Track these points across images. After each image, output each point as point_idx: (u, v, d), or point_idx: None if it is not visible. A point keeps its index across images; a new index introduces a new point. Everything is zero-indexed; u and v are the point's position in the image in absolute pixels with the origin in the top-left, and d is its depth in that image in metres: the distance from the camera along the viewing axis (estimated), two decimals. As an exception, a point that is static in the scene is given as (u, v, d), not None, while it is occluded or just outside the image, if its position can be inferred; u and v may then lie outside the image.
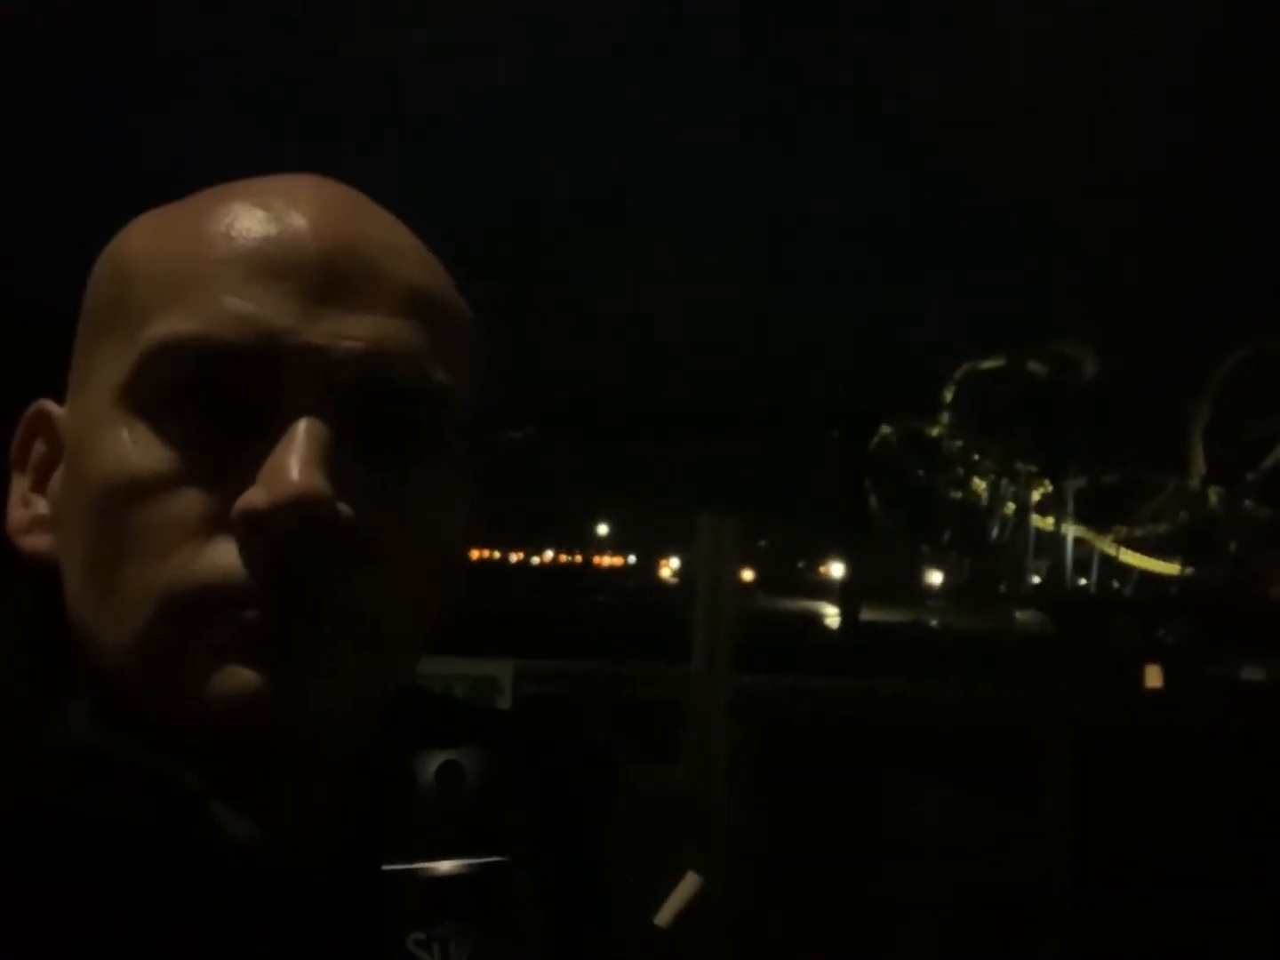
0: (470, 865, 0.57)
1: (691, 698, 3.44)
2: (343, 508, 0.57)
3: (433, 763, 0.62)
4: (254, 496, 0.57)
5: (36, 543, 0.64)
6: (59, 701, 0.60)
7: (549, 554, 78.84)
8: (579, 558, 78.48)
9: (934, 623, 36.75)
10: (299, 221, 0.62)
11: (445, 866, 0.56)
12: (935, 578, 56.21)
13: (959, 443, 55.07)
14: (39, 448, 0.66)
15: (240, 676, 0.57)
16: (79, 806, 0.56)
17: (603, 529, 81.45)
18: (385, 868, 0.58)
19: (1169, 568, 51.84)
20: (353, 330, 0.60)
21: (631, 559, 78.56)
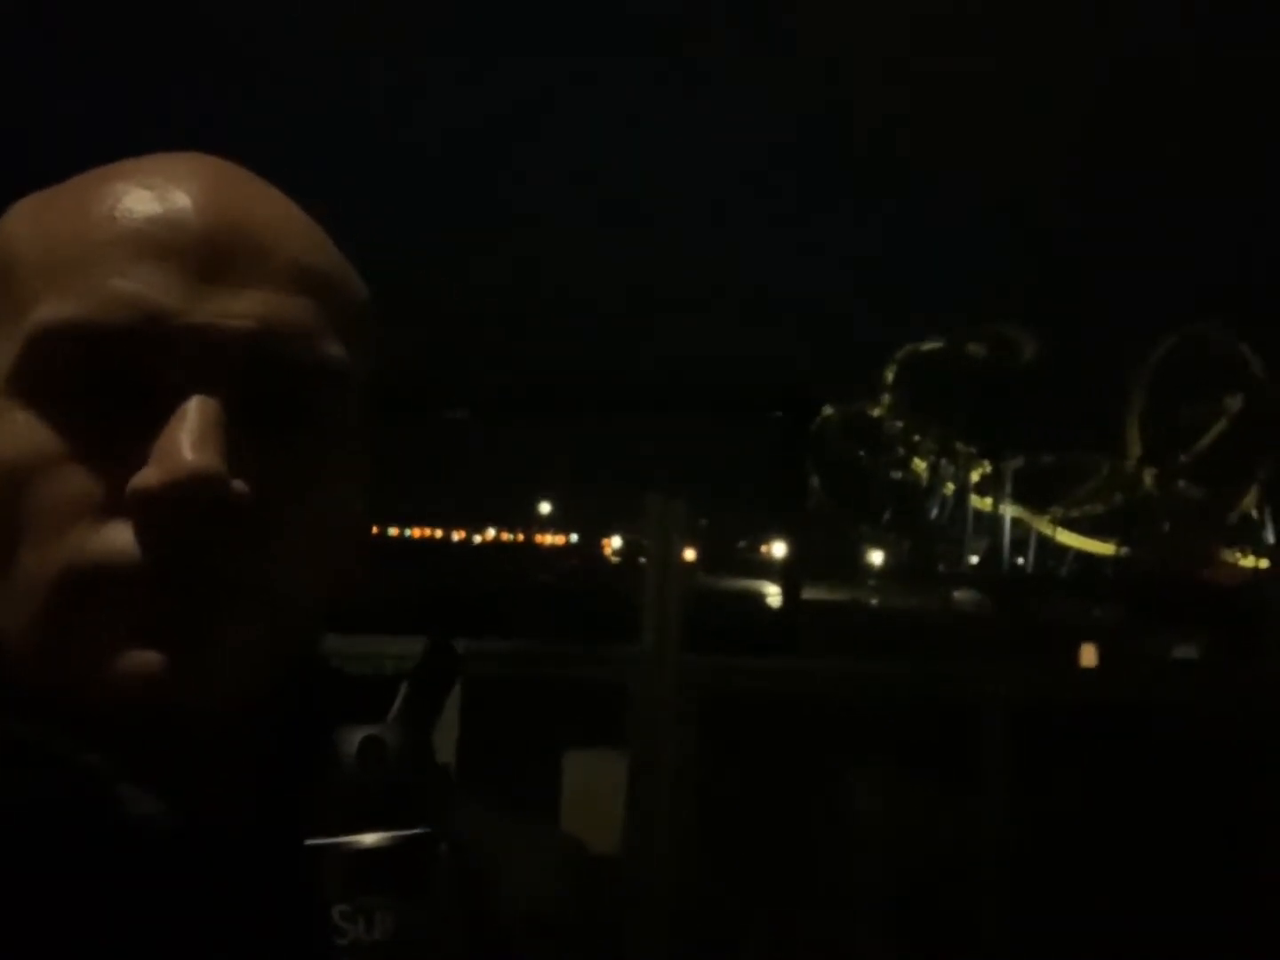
0: (394, 838, 0.57)
1: (640, 678, 3.47)
2: (236, 484, 0.57)
3: (353, 738, 0.62)
4: (147, 476, 0.57)
5: None
6: None
7: (491, 532, 78.60)
8: (521, 536, 78.31)
9: (874, 602, 37.08)
10: (182, 200, 0.61)
11: (369, 839, 0.56)
12: (876, 557, 56.67)
13: (900, 424, 55.50)
14: None
15: (136, 657, 0.57)
16: None
17: (545, 508, 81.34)
18: (308, 842, 0.58)
19: (1104, 548, 52.60)
20: (240, 308, 0.59)
21: (574, 538, 78.49)
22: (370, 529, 0.69)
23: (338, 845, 0.56)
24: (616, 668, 3.64)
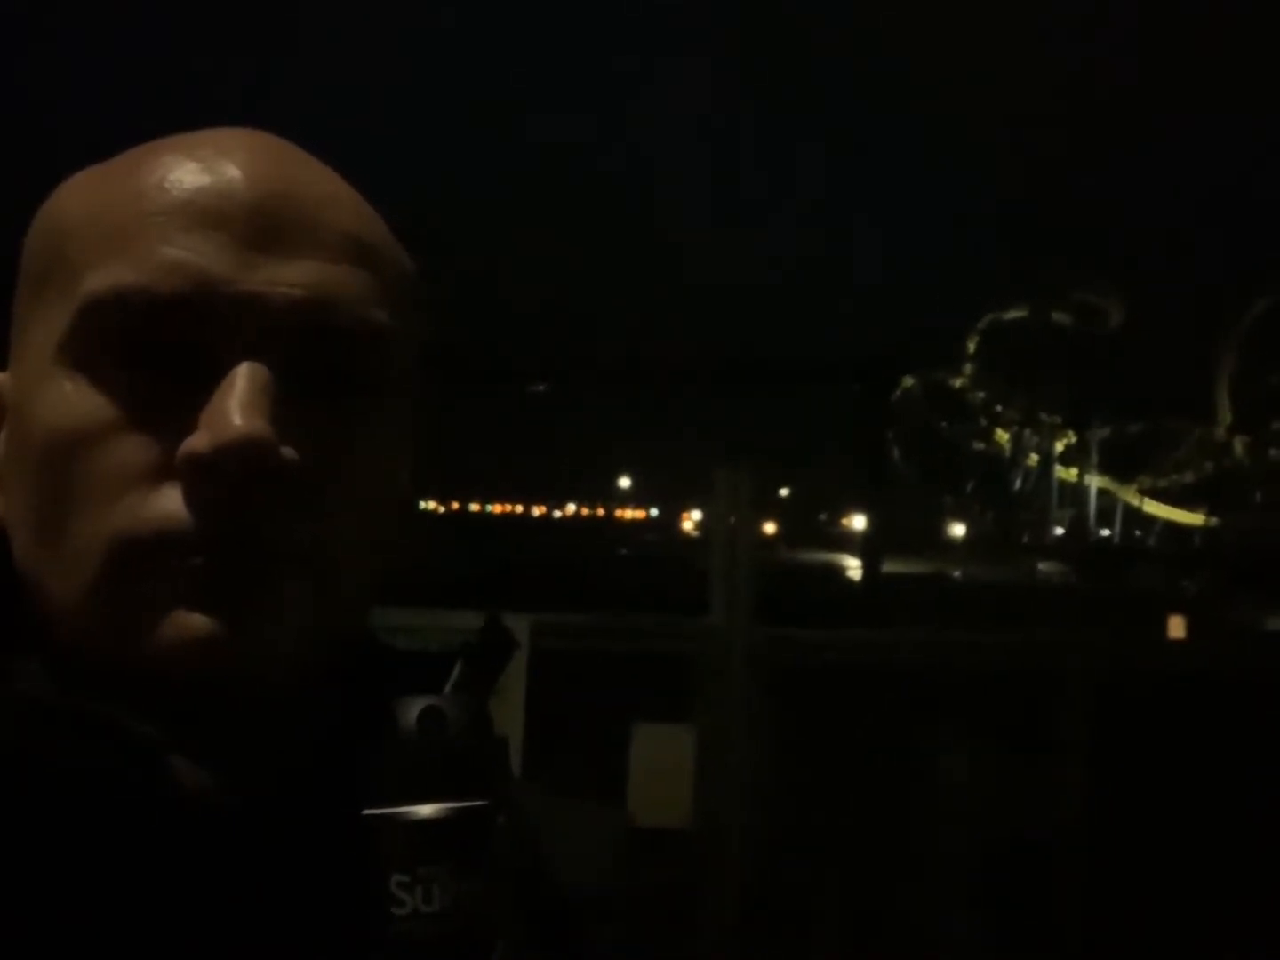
0: (452, 809, 0.56)
1: (709, 650, 3.44)
2: (285, 450, 0.57)
3: (413, 709, 0.62)
4: (197, 441, 0.57)
5: None
6: (10, 658, 0.60)
7: (571, 508, 78.93)
8: (601, 511, 78.55)
9: (956, 574, 36.71)
10: (232, 171, 0.61)
11: (427, 810, 0.56)
12: (958, 530, 56.13)
13: (982, 394, 54.75)
14: None
15: (189, 622, 0.57)
16: (32, 761, 0.56)
17: (624, 482, 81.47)
18: (366, 812, 0.57)
19: (1193, 518, 51.59)
20: (290, 276, 0.60)
21: (654, 512, 78.60)
22: (416, 498, 0.69)
23: (396, 815, 0.56)
24: (686, 640, 3.61)
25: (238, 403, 0.57)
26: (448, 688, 0.64)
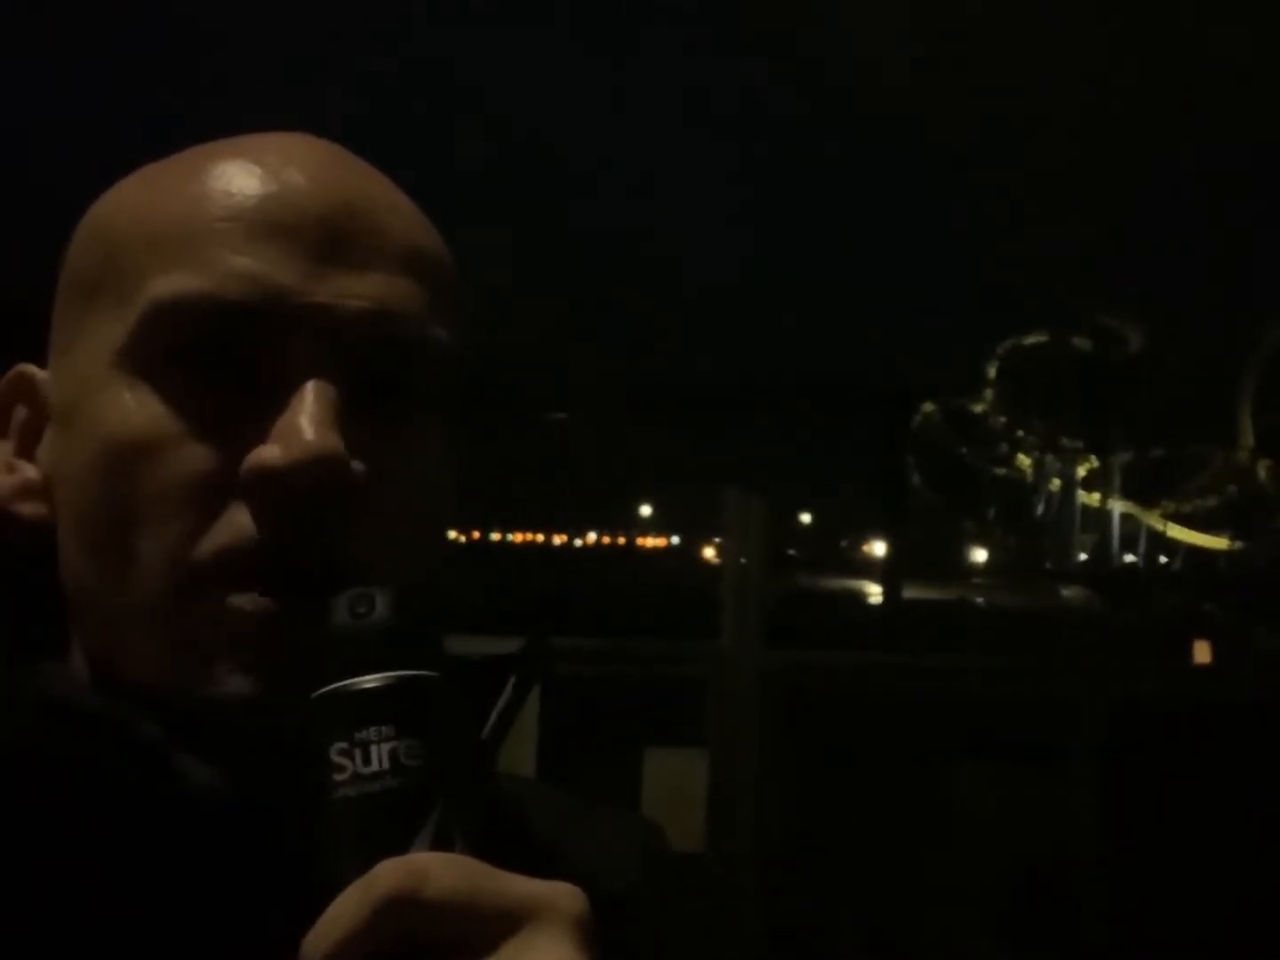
0: (395, 676, 0.54)
1: (720, 674, 3.41)
2: (357, 466, 0.57)
3: (341, 600, 0.57)
4: (268, 453, 0.56)
5: (27, 509, 0.63)
6: (33, 658, 0.59)
7: (592, 536, 78.86)
8: (622, 539, 78.46)
9: (979, 600, 36.49)
10: (297, 179, 0.61)
11: (372, 680, 0.53)
12: (979, 555, 55.87)
13: (1003, 419, 54.52)
14: (20, 413, 0.65)
15: (243, 681, 0.56)
16: (39, 758, 0.55)
17: (645, 510, 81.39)
18: (314, 694, 0.54)
19: (1217, 542, 51.19)
20: (358, 289, 0.59)
21: (675, 540, 78.47)
22: (454, 516, 0.68)
23: (341, 689, 0.53)
24: (697, 664, 3.59)
25: (310, 418, 0.56)
26: (500, 702, 0.63)
